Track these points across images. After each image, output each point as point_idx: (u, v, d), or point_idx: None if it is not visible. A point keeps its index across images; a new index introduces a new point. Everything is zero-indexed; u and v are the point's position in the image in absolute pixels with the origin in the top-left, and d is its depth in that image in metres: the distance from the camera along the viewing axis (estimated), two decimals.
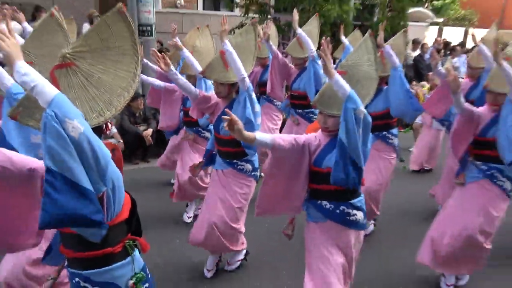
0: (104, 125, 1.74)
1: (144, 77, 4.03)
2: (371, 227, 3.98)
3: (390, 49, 3.51)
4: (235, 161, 3.01)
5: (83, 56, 1.48)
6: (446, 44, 11.38)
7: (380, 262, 3.48)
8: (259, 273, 3.34)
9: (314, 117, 4.28)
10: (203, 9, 9.51)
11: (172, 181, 4.80)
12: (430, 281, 3.25)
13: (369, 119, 2.15)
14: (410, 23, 10.47)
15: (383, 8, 9.86)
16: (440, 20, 16.47)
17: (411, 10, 12.69)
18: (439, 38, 12.10)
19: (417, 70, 8.99)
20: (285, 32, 8.12)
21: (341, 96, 2.10)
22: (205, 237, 3.01)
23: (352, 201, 2.28)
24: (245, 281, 3.24)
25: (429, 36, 13.22)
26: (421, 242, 3.10)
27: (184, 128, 4.12)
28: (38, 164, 1.55)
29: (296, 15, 4.33)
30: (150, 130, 5.41)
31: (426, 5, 16.22)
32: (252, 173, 3.08)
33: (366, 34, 2.50)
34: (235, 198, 3.02)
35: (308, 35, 4.17)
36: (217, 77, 2.94)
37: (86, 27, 6.94)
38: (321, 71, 3.92)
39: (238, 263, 3.34)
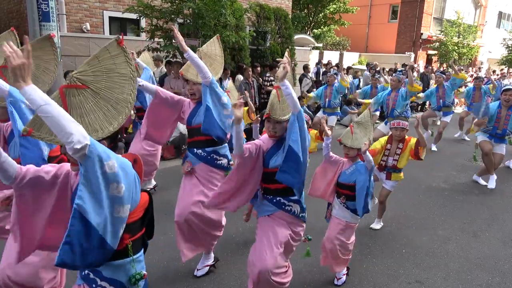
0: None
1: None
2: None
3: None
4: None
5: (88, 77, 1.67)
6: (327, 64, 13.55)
7: None
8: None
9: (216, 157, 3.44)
10: (110, 33, 9.65)
11: None
12: None
13: None
14: (296, 47, 12.19)
15: (274, 35, 11.33)
16: (320, 45, 19.14)
17: (297, 36, 14.68)
18: (330, 61, 14.43)
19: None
20: None
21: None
22: None
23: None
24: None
25: (312, 59, 15.33)
26: None
27: None
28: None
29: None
30: None
31: (308, 33, 18.80)
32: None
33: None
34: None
35: (210, 56, 3.58)
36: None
37: None
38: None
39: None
